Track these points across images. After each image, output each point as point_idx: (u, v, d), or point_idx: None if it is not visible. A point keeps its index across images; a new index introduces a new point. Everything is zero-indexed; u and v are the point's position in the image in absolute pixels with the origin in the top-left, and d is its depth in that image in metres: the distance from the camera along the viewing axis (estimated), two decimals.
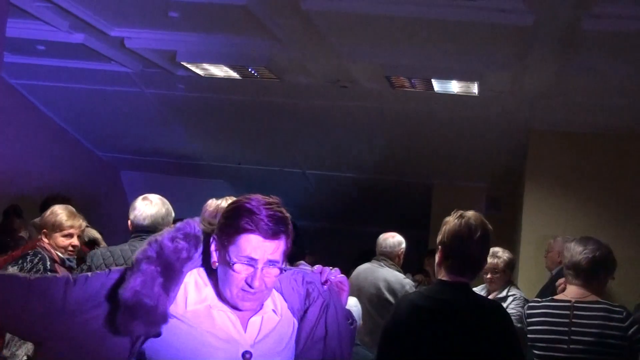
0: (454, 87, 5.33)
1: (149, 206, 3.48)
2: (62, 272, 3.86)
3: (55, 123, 7.50)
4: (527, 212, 6.25)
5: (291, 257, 8.11)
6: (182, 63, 5.31)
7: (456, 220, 2.66)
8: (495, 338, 2.58)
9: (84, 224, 4.01)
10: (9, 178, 6.78)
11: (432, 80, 5.13)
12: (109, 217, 7.59)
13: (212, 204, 2.95)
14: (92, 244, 4.57)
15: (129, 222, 3.54)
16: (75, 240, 3.88)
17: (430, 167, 7.68)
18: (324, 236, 9.86)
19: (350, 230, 9.70)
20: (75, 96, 6.91)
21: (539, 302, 3.21)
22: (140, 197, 3.53)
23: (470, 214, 2.69)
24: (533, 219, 6.15)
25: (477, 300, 2.72)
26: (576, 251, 3.11)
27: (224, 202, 2.87)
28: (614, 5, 3.67)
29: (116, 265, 3.35)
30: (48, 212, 3.93)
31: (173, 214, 3.54)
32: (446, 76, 5.06)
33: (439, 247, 2.71)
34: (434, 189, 8.08)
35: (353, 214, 9.26)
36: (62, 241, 3.85)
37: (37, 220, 4.38)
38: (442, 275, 2.69)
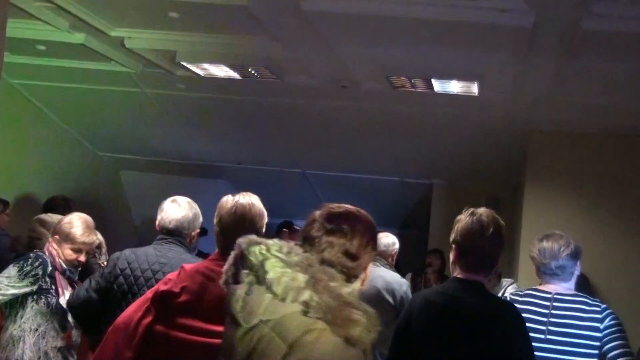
0: (454, 87, 5.33)
1: (176, 209, 3.44)
2: (60, 280, 3.83)
3: (56, 123, 7.50)
4: (527, 212, 6.25)
5: None
6: (182, 63, 5.31)
7: (468, 218, 2.68)
8: (507, 337, 2.60)
9: (97, 240, 3.94)
10: (8, 178, 6.79)
11: (432, 80, 5.13)
12: (108, 217, 7.60)
13: (229, 200, 2.88)
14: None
15: (157, 223, 3.50)
16: (82, 257, 3.80)
17: (430, 167, 7.68)
18: None
19: None
20: (75, 96, 6.91)
21: (522, 292, 3.24)
22: (170, 199, 3.50)
23: (481, 210, 2.71)
24: (533, 219, 6.14)
25: (490, 299, 2.74)
26: (554, 250, 3.13)
27: (242, 199, 2.86)
28: (614, 5, 3.67)
29: (140, 269, 3.32)
30: (66, 219, 3.84)
31: (201, 219, 3.50)
32: (446, 76, 5.06)
33: (453, 245, 2.73)
34: (434, 189, 8.09)
35: None
36: (70, 254, 3.77)
37: (43, 218, 4.32)
38: (457, 273, 2.71)
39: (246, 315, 1.78)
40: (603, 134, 6.17)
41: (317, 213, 2.02)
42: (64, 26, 4.90)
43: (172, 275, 2.82)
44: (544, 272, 3.19)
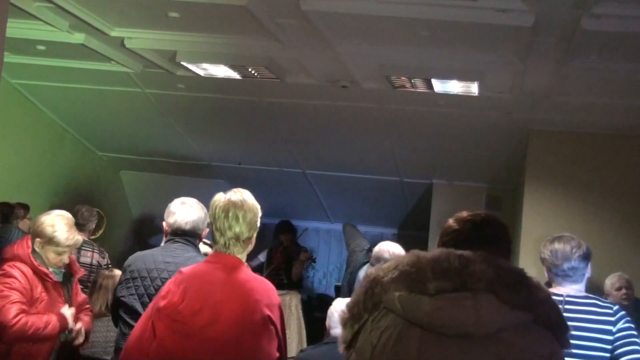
0: (454, 87, 5.32)
1: (190, 211, 3.49)
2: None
3: (56, 123, 7.50)
4: (527, 212, 6.25)
5: (292, 255, 8.17)
6: (182, 63, 5.31)
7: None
8: None
9: (81, 239, 3.87)
10: (8, 178, 6.79)
11: (432, 80, 5.13)
12: (109, 217, 7.60)
13: (221, 198, 2.91)
14: None
15: (165, 224, 3.51)
16: (65, 258, 3.74)
17: (430, 166, 7.68)
18: (324, 235, 9.87)
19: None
20: (75, 96, 6.90)
21: None
22: (179, 201, 3.53)
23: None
24: (533, 219, 6.15)
25: None
26: (566, 252, 3.13)
27: (234, 196, 2.87)
28: (614, 5, 3.67)
29: (147, 269, 3.33)
30: (48, 221, 3.70)
31: (208, 218, 3.55)
32: (446, 76, 5.06)
33: None
34: (434, 188, 8.08)
35: (353, 213, 9.26)
36: (54, 257, 3.69)
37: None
38: None
39: (479, 326, 1.75)
40: (603, 134, 6.17)
41: (454, 222, 2.07)
42: (64, 26, 4.89)
43: (169, 285, 2.80)
44: (556, 273, 3.17)
